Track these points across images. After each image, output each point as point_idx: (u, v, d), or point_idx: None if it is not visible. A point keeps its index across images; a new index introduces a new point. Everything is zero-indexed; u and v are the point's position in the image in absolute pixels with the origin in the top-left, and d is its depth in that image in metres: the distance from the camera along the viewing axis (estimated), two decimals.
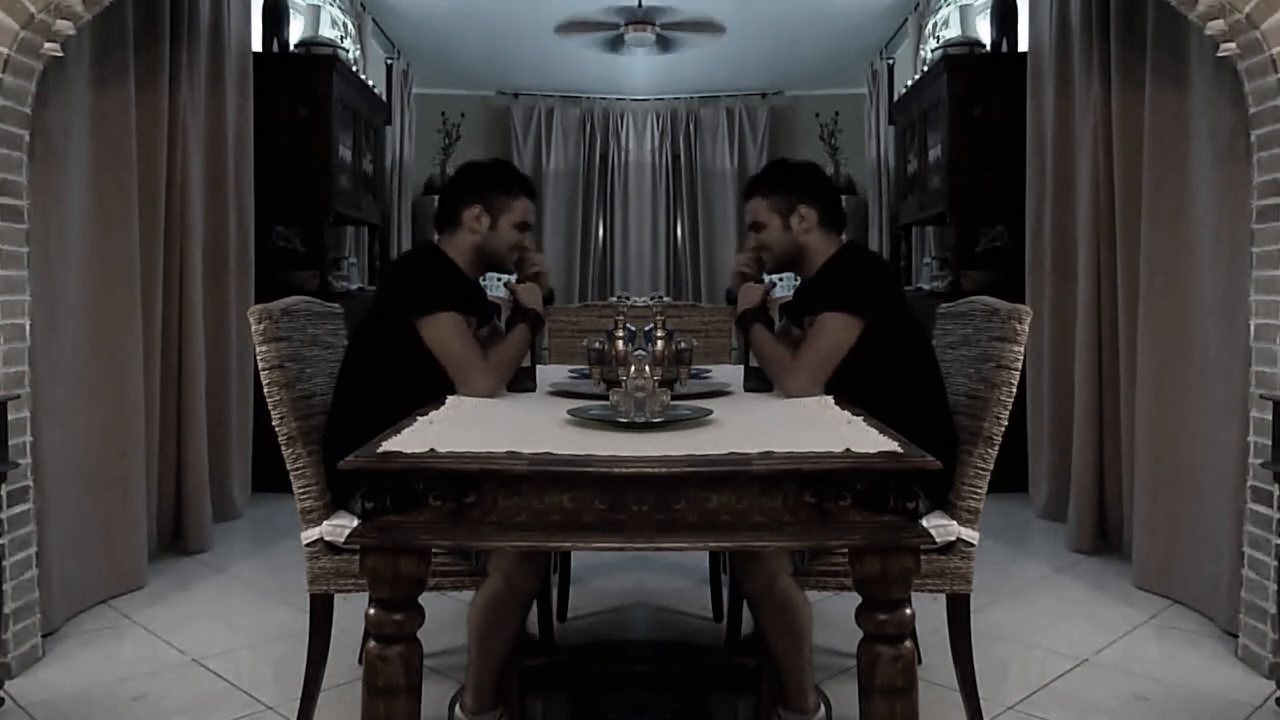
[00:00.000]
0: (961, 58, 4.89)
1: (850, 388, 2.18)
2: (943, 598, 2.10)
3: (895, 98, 6.12)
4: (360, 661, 2.15)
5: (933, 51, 5.73)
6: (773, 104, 8.06)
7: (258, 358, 2.07)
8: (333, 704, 2.29)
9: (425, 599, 1.57)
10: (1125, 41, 3.43)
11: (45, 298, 2.76)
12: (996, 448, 2.07)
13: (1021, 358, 2.05)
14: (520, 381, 2.37)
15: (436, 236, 2.46)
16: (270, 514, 4.11)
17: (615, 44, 6.46)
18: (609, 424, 1.80)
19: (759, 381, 2.36)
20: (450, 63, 7.18)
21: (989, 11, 5.17)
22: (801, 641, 2.02)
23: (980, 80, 4.81)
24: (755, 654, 2.21)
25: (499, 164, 2.57)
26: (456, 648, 2.58)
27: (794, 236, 2.37)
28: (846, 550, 1.59)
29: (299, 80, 4.76)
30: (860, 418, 1.85)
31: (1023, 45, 4.78)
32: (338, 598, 2.11)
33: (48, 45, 2.57)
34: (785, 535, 1.49)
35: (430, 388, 2.19)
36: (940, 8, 5.91)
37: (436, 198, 2.71)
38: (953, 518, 2.08)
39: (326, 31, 5.47)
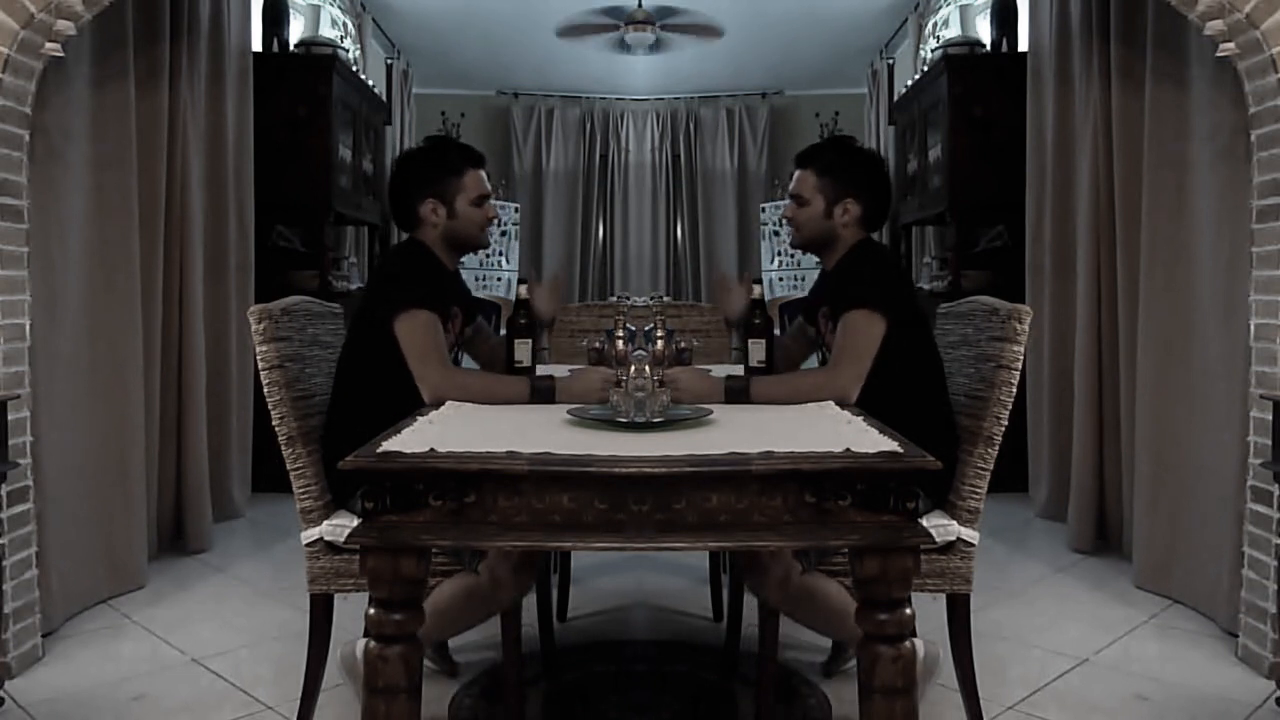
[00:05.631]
0: (961, 58, 4.89)
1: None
2: (943, 598, 2.10)
3: (895, 98, 6.12)
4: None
5: (933, 51, 5.73)
6: (773, 104, 8.06)
7: (258, 358, 2.07)
8: (333, 704, 2.29)
9: None
10: (1125, 41, 3.43)
11: (45, 298, 2.76)
12: (996, 448, 2.06)
13: (1021, 357, 2.05)
14: None
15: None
16: (270, 514, 4.11)
17: (615, 44, 6.46)
18: (609, 424, 1.81)
19: None
20: (450, 63, 7.18)
21: (989, 11, 5.17)
22: (845, 614, 1.83)
23: (980, 80, 4.80)
24: (755, 654, 2.20)
25: (435, 144, 2.45)
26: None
27: (832, 225, 2.33)
28: (847, 550, 1.59)
29: (299, 80, 4.76)
30: (860, 418, 1.86)
31: (1023, 45, 4.77)
32: (338, 598, 2.11)
33: (48, 45, 2.57)
34: (785, 535, 1.49)
35: None
36: (940, 8, 5.90)
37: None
38: (953, 518, 2.08)
39: (326, 31, 5.47)
